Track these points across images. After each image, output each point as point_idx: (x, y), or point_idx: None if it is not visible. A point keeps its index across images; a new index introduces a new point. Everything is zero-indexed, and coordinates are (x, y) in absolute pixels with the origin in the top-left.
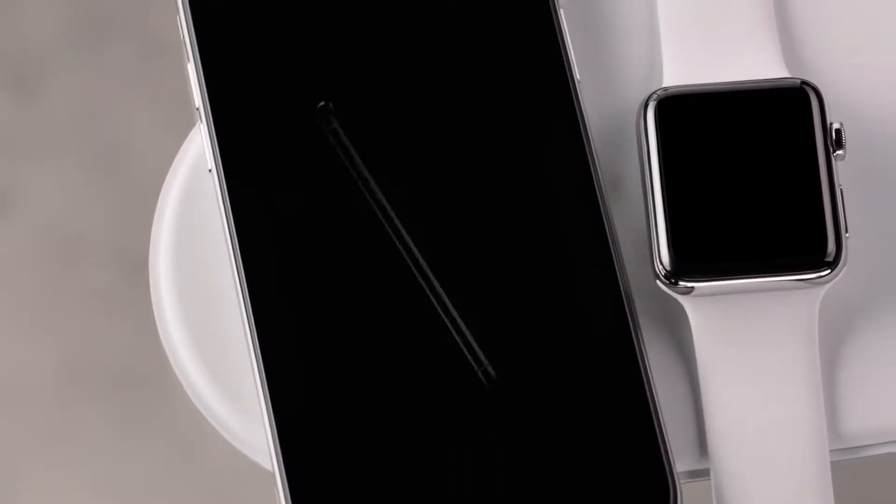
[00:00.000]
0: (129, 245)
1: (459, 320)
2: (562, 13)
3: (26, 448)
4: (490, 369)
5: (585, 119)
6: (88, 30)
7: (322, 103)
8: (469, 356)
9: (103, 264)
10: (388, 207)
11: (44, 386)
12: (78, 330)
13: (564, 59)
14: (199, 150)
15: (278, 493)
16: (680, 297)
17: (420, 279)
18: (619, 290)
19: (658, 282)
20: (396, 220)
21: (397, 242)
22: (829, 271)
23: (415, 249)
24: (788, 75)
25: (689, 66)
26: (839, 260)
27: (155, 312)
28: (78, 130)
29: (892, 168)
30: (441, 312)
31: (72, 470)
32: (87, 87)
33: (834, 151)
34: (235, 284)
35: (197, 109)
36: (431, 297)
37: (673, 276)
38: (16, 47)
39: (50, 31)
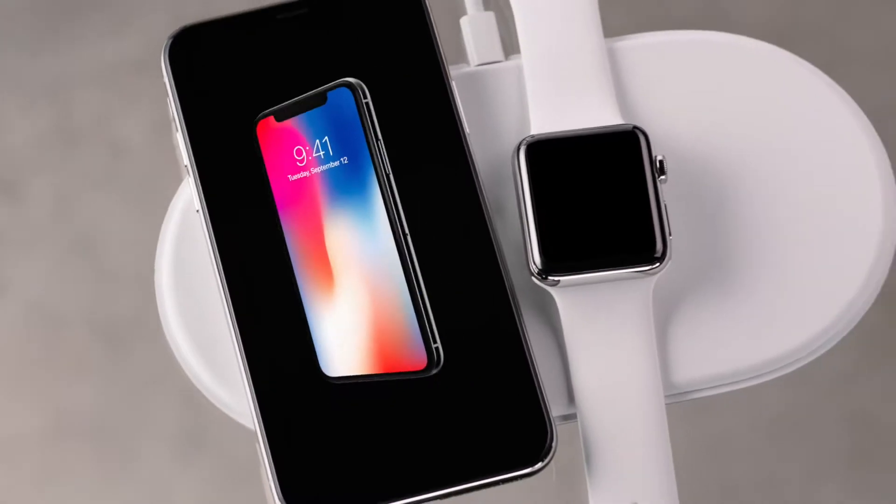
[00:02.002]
0: (104, 318)
1: (410, 308)
2: (453, 84)
3: (20, 492)
4: (437, 346)
5: (474, 160)
6: (62, 139)
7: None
8: (422, 338)
9: (82, 335)
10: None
11: (33, 439)
12: (61, 390)
13: (457, 117)
14: (187, 196)
15: (260, 448)
16: (549, 289)
17: (364, 283)
18: (505, 285)
19: (533, 278)
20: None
21: (335, 256)
22: (658, 265)
23: (357, 260)
24: (623, 122)
25: (550, 118)
26: (665, 256)
27: (160, 317)
28: (56, 224)
29: (701, 188)
30: (391, 307)
31: None
32: (63, 187)
33: (659, 177)
34: (219, 290)
35: (185, 166)
36: (378, 296)
37: (544, 273)
38: (0, 157)
39: (29, 142)
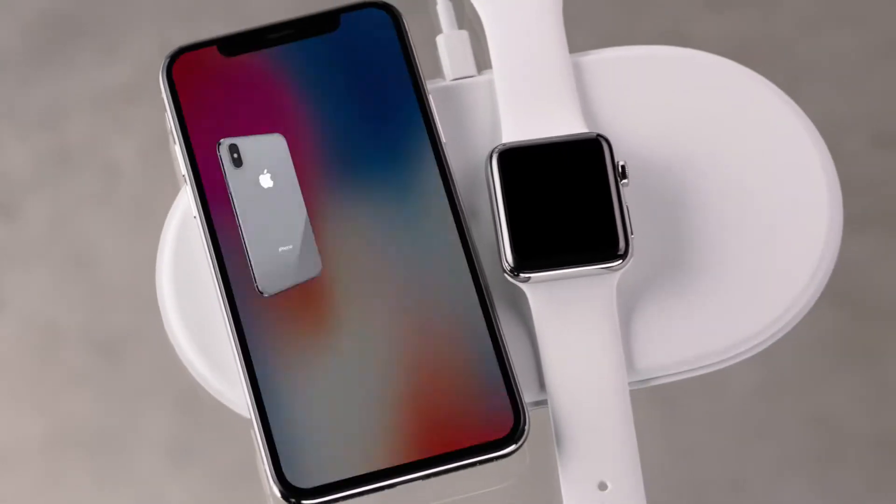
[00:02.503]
0: (100, 332)
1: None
2: (430, 97)
3: (21, 499)
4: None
5: (450, 168)
6: (56, 162)
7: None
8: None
9: (79, 348)
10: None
11: (31, 451)
12: (59, 403)
13: (434, 128)
14: (185, 203)
15: (255, 435)
16: (521, 285)
17: (352, 287)
18: (479, 282)
19: (506, 275)
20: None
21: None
22: (621, 262)
23: (345, 263)
24: (588, 130)
25: (519, 127)
26: (627, 254)
27: (161, 314)
28: (52, 242)
29: (660, 191)
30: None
31: None
32: (58, 207)
33: (621, 181)
34: (215, 288)
35: (183, 176)
36: (367, 298)
37: (515, 271)
38: None
39: (25, 165)
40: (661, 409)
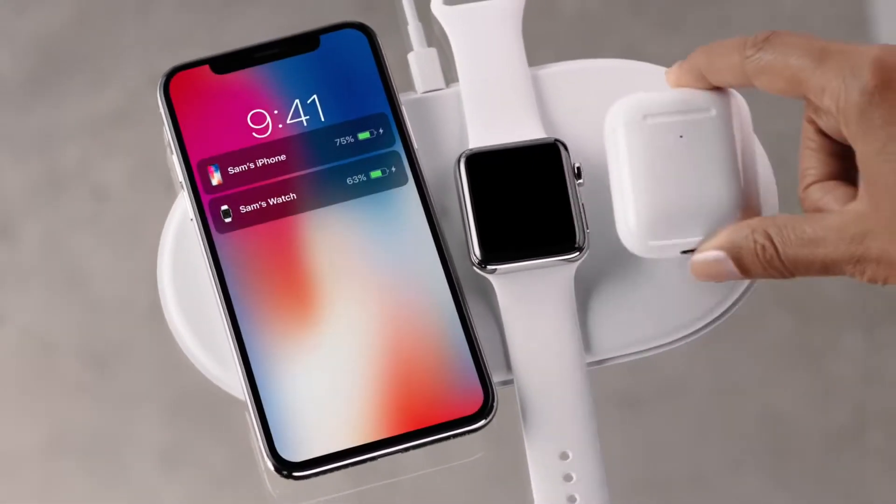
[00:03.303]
0: (93, 346)
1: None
2: (404, 108)
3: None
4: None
5: (422, 171)
6: (50, 186)
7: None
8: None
9: (73, 361)
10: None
11: (31, 457)
12: (56, 413)
13: (407, 135)
14: (183, 208)
15: (249, 413)
16: (488, 276)
17: (340, 281)
18: (452, 274)
19: (474, 268)
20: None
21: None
22: (578, 254)
23: (329, 258)
24: (546, 136)
25: (484, 134)
26: (584, 247)
27: (163, 308)
28: (47, 261)
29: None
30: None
31: None
32: (52, 229)
33: (577, 181)
34: (211, 283)
35: (179, 182)
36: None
37: (483, 263)
38: None
39: (20, 189)
40: (624, 411)
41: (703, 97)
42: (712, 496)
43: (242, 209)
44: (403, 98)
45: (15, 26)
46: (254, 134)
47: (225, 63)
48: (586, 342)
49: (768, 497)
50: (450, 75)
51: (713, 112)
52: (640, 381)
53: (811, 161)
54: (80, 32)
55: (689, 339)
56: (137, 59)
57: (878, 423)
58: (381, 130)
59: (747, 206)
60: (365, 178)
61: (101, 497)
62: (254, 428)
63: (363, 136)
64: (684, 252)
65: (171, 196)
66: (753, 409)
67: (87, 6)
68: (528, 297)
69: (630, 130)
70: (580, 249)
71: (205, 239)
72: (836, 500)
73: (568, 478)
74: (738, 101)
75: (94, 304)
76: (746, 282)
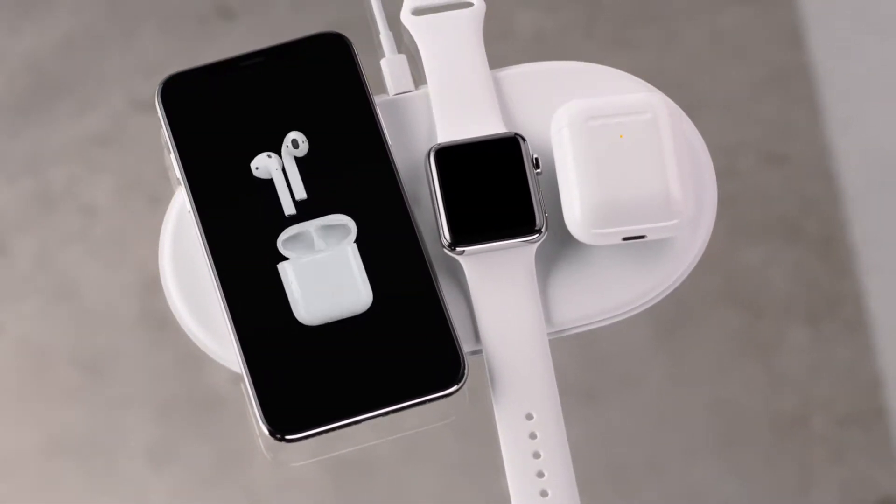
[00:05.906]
0: (87, 354)
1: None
2: (378, 109)
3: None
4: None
5: (396, 164)
6: (40, 204)
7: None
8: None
9: (69, 369)
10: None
11: (28, 458)
12: (51, 416)
13: (382, 133)
14: (181, 202)
15: (245, 384)
16: (457, 257)
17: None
18: (424, 255)
19: (444, 250)
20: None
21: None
22: (538, 235)
23: (317, 239)
24: (507, 130)
25: (451, 130)
26: (543, 229)
27: (164, 292)
28: (41, 275)
29: None
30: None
31: None
32: (43, 244)
33: (535, 170)
34: (208, 268)
35: (177, 178)
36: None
37: (452, 246)
38: None
39: (12, 208)
40: (583, 403)
41: (641, 101)
42: (668, 480)
43: None
44: (377, 100)
45: (4, 50)
46: (241, 132)
47: (215, 71)
48: (547, 315)
49: (720, 481)
50: (418, 78)
51: (649, 115)
52: (599, 374)
53: None
54: (66, 58)
55: (637, 311)
56: (121, 85)
57: (822, 412)
58: (359, 129)
59: (681, 197)
60: (345, 172)
61: (94, 493)
62: (250, 397)
63: (342, 133)
64: (626, 239)
65: (156, 211)
66: (705, 399)
67: (74, 33)
68: (494, 275)
69: (574, 132)
70: (539, 231)
71: (201, 227)
72: (783, 484)
73: (533, 436)
74: (672, 105)
75: (85, 315)
76: (682, 267)
